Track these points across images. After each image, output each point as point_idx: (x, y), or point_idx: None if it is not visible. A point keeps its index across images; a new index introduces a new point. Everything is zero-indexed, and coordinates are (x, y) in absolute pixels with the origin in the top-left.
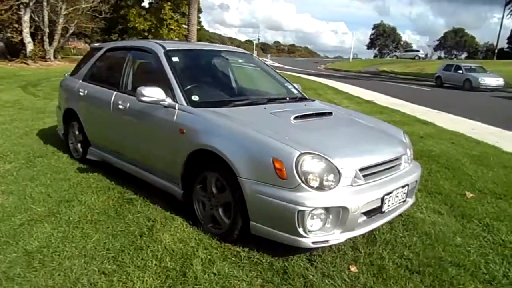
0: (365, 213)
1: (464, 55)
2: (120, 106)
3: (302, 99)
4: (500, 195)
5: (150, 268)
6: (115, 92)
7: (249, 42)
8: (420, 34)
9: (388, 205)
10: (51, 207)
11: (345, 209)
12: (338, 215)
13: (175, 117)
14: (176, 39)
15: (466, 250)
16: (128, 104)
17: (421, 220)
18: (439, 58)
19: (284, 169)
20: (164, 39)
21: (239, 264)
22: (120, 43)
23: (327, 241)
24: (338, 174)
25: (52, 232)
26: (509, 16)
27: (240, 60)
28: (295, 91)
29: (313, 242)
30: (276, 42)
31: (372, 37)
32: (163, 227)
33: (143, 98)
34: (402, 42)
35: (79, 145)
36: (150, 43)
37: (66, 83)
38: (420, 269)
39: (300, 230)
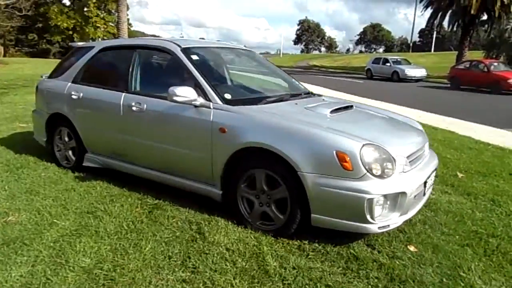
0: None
1: (382, 48)
2: (134, 108)
3: (314, 94)
4: (484, 173)
5: (230, 270)
6: (123, 94)
7: None
8: (337, 29)
9: (427, 188)
10: (76, 220)
11: (403, 194)
12: (397, 200)
13: (211, 117)
14: (105, 38)
15: (490, 223)
16: (145, 106)
17: (438, 200)
18: (361, 52)
19: (349, 160)
20: (91, 38)
21: (309, 256)
22: (117, 42)
23: (388, 225)
24: (393, 162)
25: (98, 246)
26: (422, 12)
27: (246, 57)
28: (302, 87)
29: (379, 228)
30: (201, 39)
31: (298, 32)
32: (211, 230)
33: (176, 98)
34: (326, 37)
35: (70, 152)
36: (163, 42)
37: (47, 86)
38: (466, 243)
39: (368, 217)
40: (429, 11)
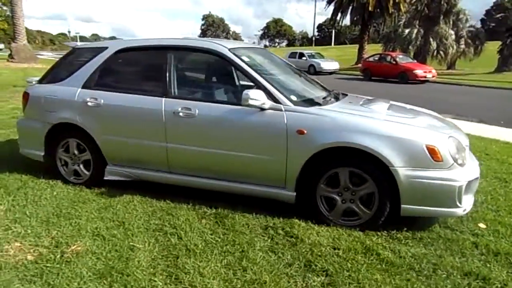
0: None
1: (285, 42)
2: (181, 114)
3: (342, 93)
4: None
5: (362, 268)
6: (163, 99)
7: (63, 35)
8: (234, 23)
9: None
10: (151, 240)
11: (477, 178)
12: (473, 184)
13: (285, 119)
14: None
15: None
16: (196, 111)
17: None
18: (265, 46)
19: (438, 152)
20: None
21: (410, 244)
22: (141, 43)
23: (467, 208)
24: (465, 151)
25: (209, 265)
26: (326, 8)
27: (268, 57)
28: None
29: (463, 210)
30: (94, 35)
31: (203, 28)
32: (301, 232)
33: (252, 102)
34: (231, 32)
35: (81, 166)
36: (205, 43)
37: (45, 92)
38: None
39: (457, 202)
40: (331, 7)
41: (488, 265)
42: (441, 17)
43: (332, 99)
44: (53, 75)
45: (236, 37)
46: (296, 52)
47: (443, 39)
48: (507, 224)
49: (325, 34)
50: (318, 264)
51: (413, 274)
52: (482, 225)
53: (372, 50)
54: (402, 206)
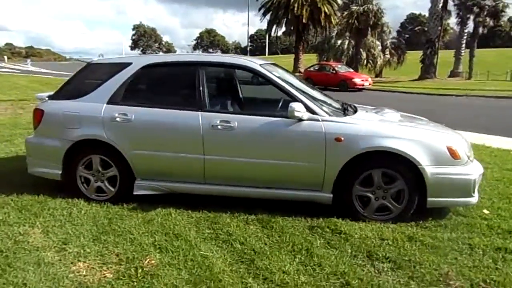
0: None
1: (219, 52)
2: (220, 127)
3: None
4: None
5: (424, 256)
6: (199, 113)
7: None
8: (161, 33)
9: None
10: (219, 250)
11: (483, 172)
12: (480, 177)
13: (323, 128)
14: None
15: None
16: (236, 123)
17: None
18: None
19: (456, 151)
20: None
21: (439, 230)
22: (170, 58)
23: (477, 197)
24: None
25: (282, 265)
26: (262, 19)
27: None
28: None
29: (475, 199)
30: (9, 44)
31: (134, 38)
32: (348, 229)
33: (297, 114)
34: (164, 42)
35: (106, 182)
36: (238, 59)
37: (65, 108)
38: None
39: (472, 193)
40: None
41: (508, 240)
42: (369, 29)
43: (351, 110)
44: (69, 91)
45: (169, 47)
46: None
47: (371, 50)
48: (505, 209)
49: (258, 44)
50: (379, 253)
51: (457, 254)
52: (486, 211)
53: (307, 59)
54: (428, 199)
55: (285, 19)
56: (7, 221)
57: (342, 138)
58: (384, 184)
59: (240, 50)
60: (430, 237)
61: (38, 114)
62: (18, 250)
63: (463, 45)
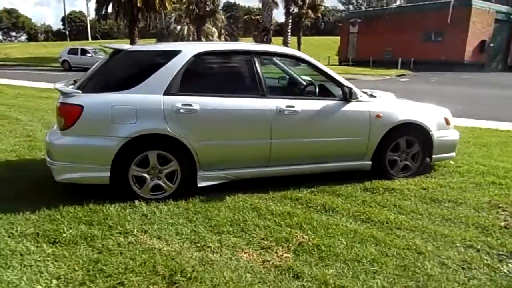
0: None
1: (24, 36)
2: (286, 112)
3: None
4: None
5: (460, 192)
6: (264, 99)
7: None
8: None
9: None
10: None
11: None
12: None
13: (368, 108)
14: None
15: None
16: (299, 108)
17: None
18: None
19: (449, 120)
20: None
21: (440, 183)
22: (223, 47)
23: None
24: None
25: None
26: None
27: None
28: None
29: (455, 154)
30: None
31: None
32: (395, 186)
33: (359, 98)
34: None
35: (165, 179)
36: (287, 49)
37: (113, 101)
38: None
39: (455, 149)
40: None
41: (481, 175)
42: (209, 16)
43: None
44: (107, 82)
45: None
46: (77, 48)
47: (209, 36)
48: (475, 162)
49: (72, 28)
50: (438, 197)
51: (471, 188)
52: (452, 162)
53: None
54: (433, 156)
55: (117, 2)
56: (105, 235)
57: (381, 115)
58: (407, 148)
59: (52, 34)
60: (447, 181)
61: (75, 111)
62: (188, 260)
63: (289, 33)
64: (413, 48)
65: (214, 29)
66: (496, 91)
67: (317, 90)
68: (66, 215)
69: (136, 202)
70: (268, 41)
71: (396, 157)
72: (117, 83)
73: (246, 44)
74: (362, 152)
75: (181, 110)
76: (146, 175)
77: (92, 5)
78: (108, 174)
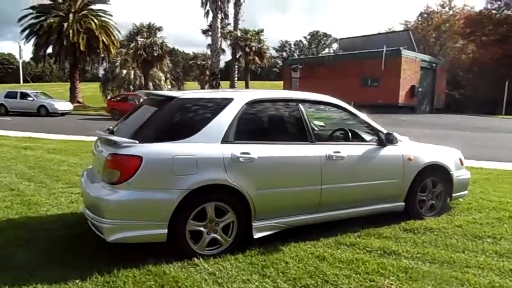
0: None
1: None
2: (334, 157)
3: None
4: None
5: (477, 228)
6: (313, 145)
7: None
8: None
9: None
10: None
11: None
12: None
13: (401, 151)
14: None
15: None
16: (345, 153)
17: None
18: None
19: (463, 161)
20: None
21: (467, 214)
22: (271, 95)
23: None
24: None
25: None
26: (26, 42)
27: None
28: None
29: (467, 191)
30: None
31: None
32: (431, 225)
33: (398, 142)
34: None
35: (221, 232)
36: (324, 97)
37: (173, 152)
38: None
39: (467, 187)
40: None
41: (497, 211)
42: (156, 61)
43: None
44: (163, 131)
45: None
46: (16, 92)
47: (156, 80)
48: (480, 198)
49: (1, 71)
50: (476, 233)
51: (493, 222)
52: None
53: (87, 88)
54: (453, 195)
55: (58, 45)
56: None
57: (412, 158)
58: (433, 188)
59: None
60: (472, 218)
61: (133, 162)
62: None
63: (236, 77)
64: (353, 92)
65: (161, 74)
66: (440, 131)
67: (350, 135)
68: (126, 279)
69: (195, 260)
70: (217, 85)
71: (424, 197)
72: (174, 132)
73: (292, 92)
74: (397, 194)
75: (240, 159)
76: (203, 229)
77: (28, 48)
78: (166, 230)
